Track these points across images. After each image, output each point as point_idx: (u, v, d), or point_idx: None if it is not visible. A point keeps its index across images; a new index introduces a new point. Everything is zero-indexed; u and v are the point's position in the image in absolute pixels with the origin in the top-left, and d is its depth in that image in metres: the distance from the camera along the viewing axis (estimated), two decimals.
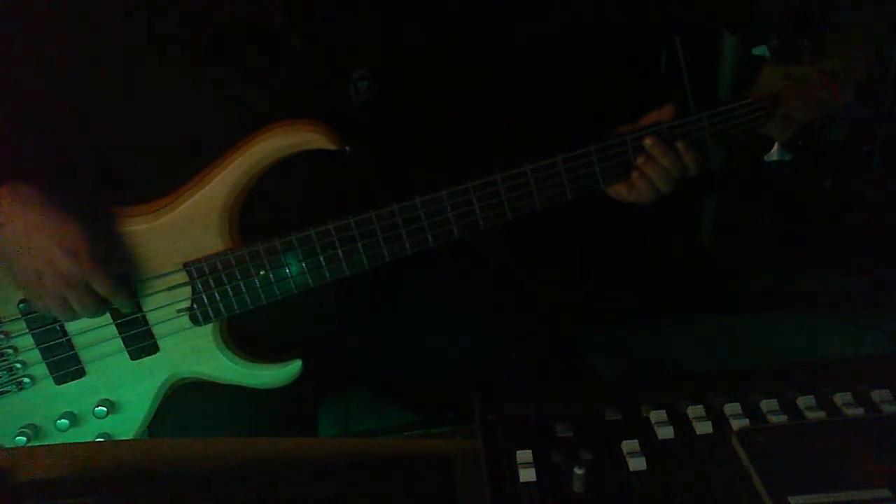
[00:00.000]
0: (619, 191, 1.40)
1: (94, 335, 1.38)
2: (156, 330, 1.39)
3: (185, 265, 1.36)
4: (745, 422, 1.02)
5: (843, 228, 2.86)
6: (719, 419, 1.04)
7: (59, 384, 1.40)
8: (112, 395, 1.42)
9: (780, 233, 2.92)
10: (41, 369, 1.38)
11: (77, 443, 1.39)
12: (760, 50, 1.38)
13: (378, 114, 1.42)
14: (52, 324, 1.36)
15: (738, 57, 2.56)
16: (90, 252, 1.26)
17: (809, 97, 1.37)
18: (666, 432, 1.03)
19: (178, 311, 1.38)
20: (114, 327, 1.38)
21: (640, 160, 1.35)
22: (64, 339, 1.37)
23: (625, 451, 1.00)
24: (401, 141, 1.47)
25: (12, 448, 1.37)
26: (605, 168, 1.35)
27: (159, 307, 1.38)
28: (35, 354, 1.38)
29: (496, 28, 2.40)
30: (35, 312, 1.35)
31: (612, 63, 2.65)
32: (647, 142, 1.34)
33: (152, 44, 1.29)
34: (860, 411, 1.02)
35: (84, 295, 1.29)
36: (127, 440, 1.43)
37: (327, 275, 1.37)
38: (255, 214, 1.37)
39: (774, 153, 1.41)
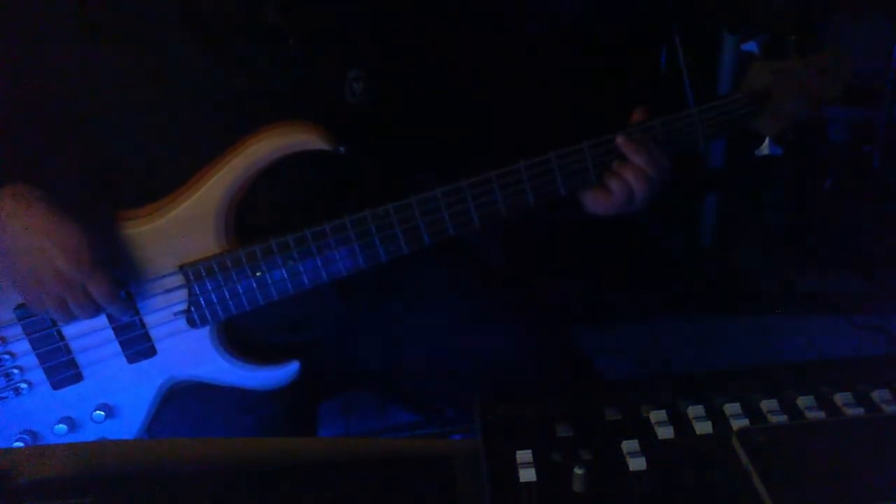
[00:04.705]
0: (596, 198, 1.39)
1: (92, 339, 1.37)
2: (153, 333, 1.38)
3: (182, 267, 1.35)
4: (745, 422, 1.02)
5: (843, 228, 2.86)
6: (719, 419, 1.03)
7: (57, 389, 1.39)
8: (110, 399, 1.41)
9: (780, 233, 2.93)
10: (38, 374, 1.38)
11: (77, 443, 1.38)
12: (750, 46, 1.39)
13: (373, 114, 1.42)
14: (48, 328, 1.36)
15: (737, 57, 2.57)
16: (90, 254, 1.26)
17: (798, 92, 1.38)
18: (666, 432, 1.02)
19: (175, 313, 1.38)
20: (111, 331, 1.37)
21: (615, 164, 1.35)
22: (61, 344, 1.37)
23: (625, 451, 0.99)
24: (396, 140, 1.47)
25: (12, 448, 1.36)
26: (567, 175, 1.35)
27: (156, 310, 1.37)
28: (32, 359, 1.37)
29: (493, 27, 2.40)
30: (32, 317, 1.34)
31: (612, 63, 2.65)
32: (619, 140, 1.34)
33: (147, 43, 1.29)
34: (860, 411, 1.02)
35: (83, 297, 1.28)
36: (127, 440, 1.42)
37: (324, 275, 1.36)
38: (251, 216, 1.37)
39: (765, 147, 1.42)
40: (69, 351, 1.37)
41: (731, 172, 2.77)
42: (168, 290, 1.36)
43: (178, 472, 1.09)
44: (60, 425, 1.40)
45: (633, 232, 2.88)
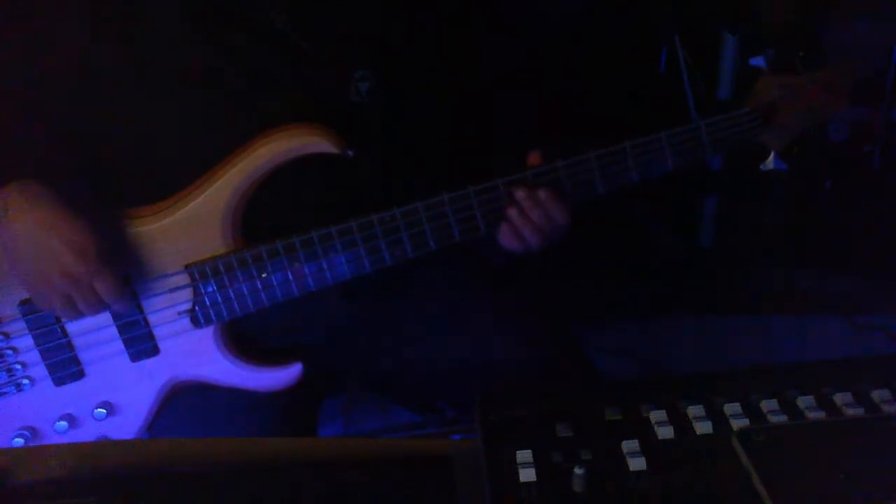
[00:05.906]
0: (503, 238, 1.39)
1: (95, 336, 1.38)
2: (156, 332, 1.39)
3: (187, 267, 1.36)
4: (745, 422, 1.02)
5: (843, 228, 2.86)
6: (719, 419, 1.04)
7: (59, 385, 1.39)
8: (112, 397, 1.41)
9: (780, 233, 2.93)
10: (41, 370, 1.38)
11: (77, 443, 1.39)
12: (757, 61, 1.40)
13: (379, 114, 1.42)
14: (52, 324, 1.36)
15: (737, 57, 2.57)
16: (97, 251, 1.26)
17: (804, 107, 1.39)
18: (666, 432, 1.03)
19: (179, 312, 1.38)
20: (115, 329, 1.37)
21: (509, 210, 1.35)
22: (64, 341, 1.37)
23: (625, 451, 1.00)
24: (402, 142, 1.47)
25: (12, 448, 1.36)
26: (485, 213, 1.36)
27: (160, 309, 1.38)
28: (35, 355, 1.37)
29: (497, 28, 2.40)
30: (36, 313, 1.35)
31: (613, 63, 2.66)
32: (516, 189, 1.34)
33: (155, 44, 1.30)
34: (860, 411, 1.02)
35: (89, 294, 1.28)
36: (127, 440, 1.42)
37: (329, 278, 1.37)
38: (257, 217, 1.37)
39: (770, 162, 1.43)
40: (72, 348, 1.38)
41: (731, 173, 2.77)
42: (173, 289, 1.36)
43: (178, 472, 1.09)
44: (61, 422, 1.40)
45: (634, 232, 2.88)
